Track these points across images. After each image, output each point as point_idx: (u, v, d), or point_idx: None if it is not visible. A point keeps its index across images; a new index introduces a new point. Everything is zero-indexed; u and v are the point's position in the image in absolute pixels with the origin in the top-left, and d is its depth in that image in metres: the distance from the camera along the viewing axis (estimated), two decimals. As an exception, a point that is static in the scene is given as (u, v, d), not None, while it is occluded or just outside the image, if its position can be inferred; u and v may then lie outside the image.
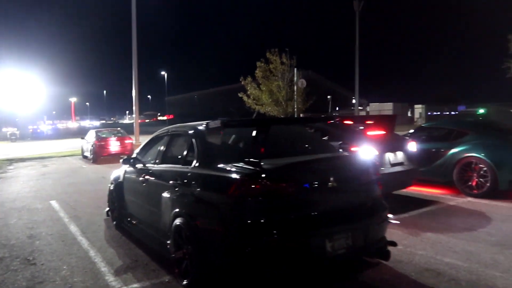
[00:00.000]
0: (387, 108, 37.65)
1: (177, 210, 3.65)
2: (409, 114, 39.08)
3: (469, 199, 6.79)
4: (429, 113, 43.06)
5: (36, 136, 52.69)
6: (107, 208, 6.10)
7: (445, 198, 6.90)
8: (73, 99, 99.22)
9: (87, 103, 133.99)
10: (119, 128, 19.19)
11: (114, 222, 5.70)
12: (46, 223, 6.24)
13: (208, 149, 3.71)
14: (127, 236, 5.27)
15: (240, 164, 3.23)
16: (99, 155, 16.44)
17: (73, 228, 5.85)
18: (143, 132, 19.07)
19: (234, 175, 3.13)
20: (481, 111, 31.31)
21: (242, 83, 24.89)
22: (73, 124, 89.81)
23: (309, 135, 4.88)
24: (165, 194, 3.93)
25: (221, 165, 3.40)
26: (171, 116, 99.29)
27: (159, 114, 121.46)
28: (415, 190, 7.60)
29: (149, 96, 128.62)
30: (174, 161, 4.21)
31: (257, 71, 24.42)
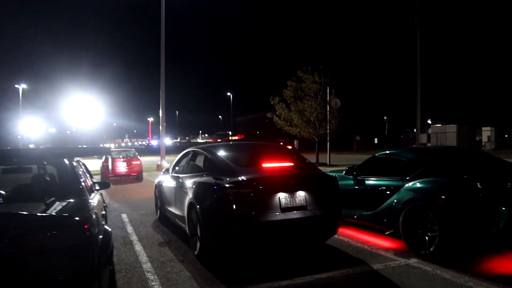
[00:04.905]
0: (450, 130, 33.22)
1: None
2: (477, 138, 34.17)
3: (412, 260, 4.85)
4: (506, 136, 37.71)
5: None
6: None
7: (380, 257, 5.03)
8: (151, 119, 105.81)
9: (164, 123, 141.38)
10: (133, 150, 19.02)
11: None
12: None
13: None
14: None
15: None
16: (105, 176, 16.25)
17: None
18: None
19: None
20: None
21: (272, 102, 23.63)
22: (142, 143, 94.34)
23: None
24: None
25: None
26: (242, 136, 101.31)
27: (230, 133, 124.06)
28: (360, 239, 5.84)
29: (220, 117, 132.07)
30: None
31: (285, 90, 23.03)
